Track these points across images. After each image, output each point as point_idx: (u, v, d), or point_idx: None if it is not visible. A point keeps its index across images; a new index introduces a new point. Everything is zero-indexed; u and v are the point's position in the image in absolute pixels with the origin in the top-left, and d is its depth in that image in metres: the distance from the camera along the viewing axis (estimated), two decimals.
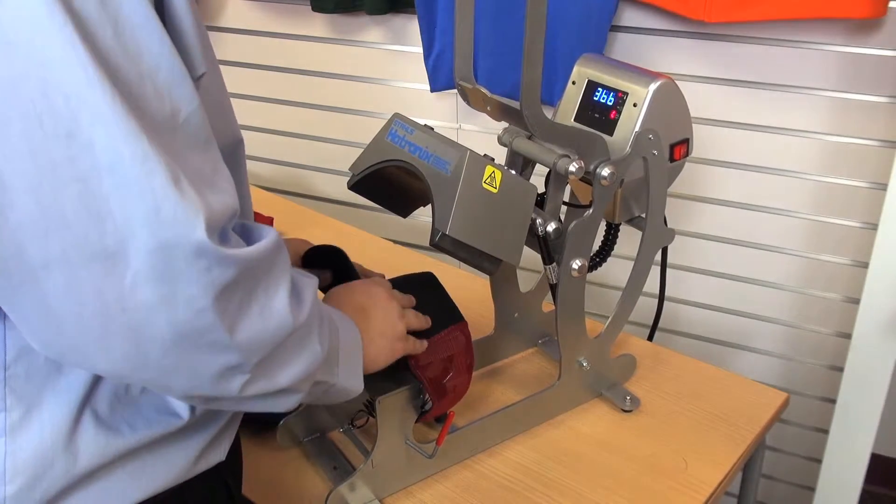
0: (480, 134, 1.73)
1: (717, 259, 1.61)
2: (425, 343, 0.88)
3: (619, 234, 1.04)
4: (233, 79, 2.05)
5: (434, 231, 0.81)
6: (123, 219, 0.50)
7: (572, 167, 0.88)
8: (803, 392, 1.62)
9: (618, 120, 0.93)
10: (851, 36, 1.36)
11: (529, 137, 0.94)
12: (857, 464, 1.26)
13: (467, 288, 1.11)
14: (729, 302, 1.64)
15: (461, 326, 0.94)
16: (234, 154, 0.70)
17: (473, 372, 0.95)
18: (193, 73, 0.57)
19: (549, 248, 0.94)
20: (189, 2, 0.57)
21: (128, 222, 0.50)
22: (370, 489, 0.92)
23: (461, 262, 0.86)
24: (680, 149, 0.97)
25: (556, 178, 0.98)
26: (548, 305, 1.18)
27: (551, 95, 1.51)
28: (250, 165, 1.97)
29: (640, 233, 1.01)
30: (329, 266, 0.97)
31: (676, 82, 0.94)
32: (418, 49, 1.66)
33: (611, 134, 0.93)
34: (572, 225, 0.92)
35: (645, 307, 1.13)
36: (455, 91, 1.66)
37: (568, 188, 1.01)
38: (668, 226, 1.02)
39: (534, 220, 0.92)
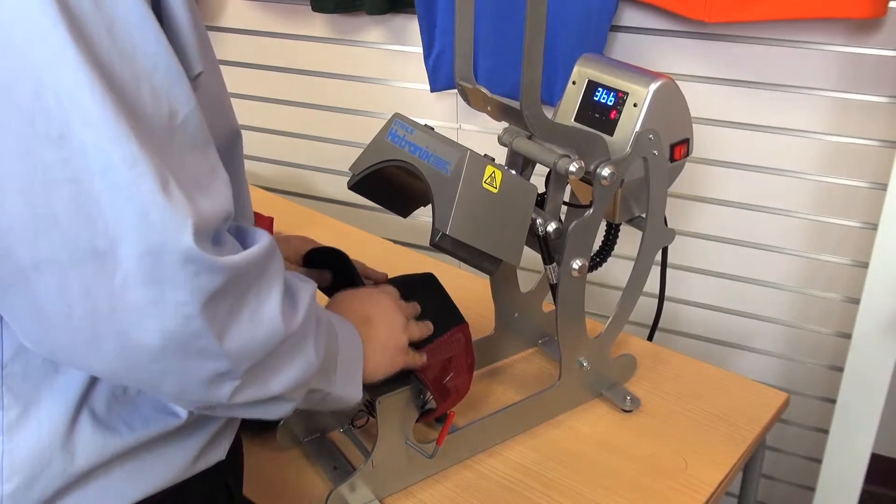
0: (480, 134, 1.73)
1: (717, 259, 1.61)
2: (424, 357, 0.88)
3: (619, 234, 1.04)
4: (233, 79, 2.05)
5: (434, 231, 0.81)
6: (114, 220, 0.50)
7: (572, 167, 0.88)
8: (803, 392, 1.62)
9: (618, 120, 0.93)
10: (851, 36, 1.36)
11: (530, 137, 0.94)
12: (857, 464, 1.26)
13: (467, 288, 1.11)
14: (729, 302, 1.64)
15: (462, 328, 0.94)
16: (231, 147, 0.69)
17: (474, 372, 0.95)
18: (190, 73, 0.57)
19: (549, 248, 0.94)
20: (186, 0, 0.57)
21: (118, 224, 0.50)
22: (370, 489, 0.92)
23: (461, 262, 0.86)
24: (680, 149, 0.97)
25: (556, 178, 0.98)
26: (548, 305, 1.18)
27: (551, 95, 1.51)
28: (250, 165, 1.97)
29: (640, 233, 1.01)
30: (330, 267, 0.97)
31: (676, 82, 0.94)
32: (418, 49, 1.66)
33: (611, 134, 0.93)
34: (572, 225, 0.92)
35: (645, 307, 1.13)
36: (455, 91, 1.66)
37: (568, 188, 1.01)
38: (669, 226, 1.02)
39: (534, 220, 0.92)
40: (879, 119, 1.40)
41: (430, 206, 0.84)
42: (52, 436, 0.61)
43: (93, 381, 0.62)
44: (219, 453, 0.73)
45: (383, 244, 1.51)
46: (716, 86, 1.48)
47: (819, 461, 1.31)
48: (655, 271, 1.06)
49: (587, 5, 1.46)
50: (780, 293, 1.58)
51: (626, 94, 0.93)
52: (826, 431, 1.28)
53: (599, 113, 0.95)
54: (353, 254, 0.98)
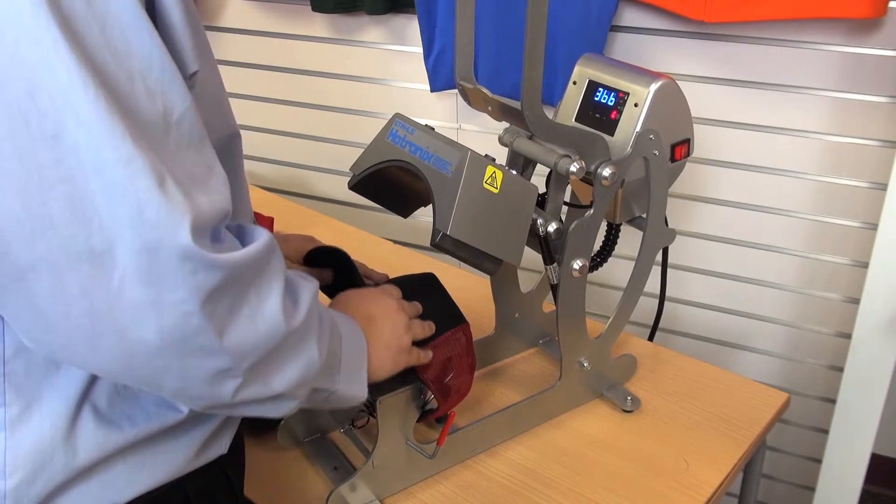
0: (481, 134, 1.73)
1: (718, 259, 1.61)
2: (429, 354, 0.88)
3: (619, 234, 1.04)
4: (233, 79, 2.05)
5: (435, 231, 0.81)
6: (110, 219, 0.50)
7: (573, 167, 0.88)
8: (803, 392, 1.62)
9: (619, 120, 0.93)
10: (851, 36, 1.36)
11: (530, 138, 0.94)
12: (857, 464, 1.26)
13: (468, 288, 1.11)
14: (729, 302, 1.64)
15: (463, 328, 0.94)
16: (229, 147, 0.69)
17: (475, 372, 0.95)
18: (185, 71, 0.57)
19: (549, 249, 0.94)
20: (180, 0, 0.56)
21: (114, 222, 0.50)
22: (371, 489, 0.92)
23: (462, 262, 0.86)
24: (681, 149, 0.97)
25: (556, 179, 0.98)
26: (548, 305, 1.18)
27: (552, 95, 1.51)
28: (250, 165, 1.97)
29: (640, 233, 1.01)
30: (331, 267, 0.97)
31: (677, 82, 0.94)
32: (418, 49, 1.66)
33: (612, 134, 0.93)
34: (573, 225, 0.92)
35: (645, 307, 1.13)
36: (455, 91, 1.66)
37: (569, 188, 1.01)
38: (669, 226, 1.02)
39: (535, 221, 0.92)
40: (879, 119, 1.40)
41: (430, 206, 0.84)
42: (55, 431, 0.61)
43: (94, 377, 0.62)
44: (221, 447, 0.73)
45: (384, 244, 1.51)
46: (716, 86, 1.48)
47: (819, 461, 1.31)
48: (656, 271, 1.06)
49: (587, 5, 1.46)
50: (780, 293, 1.59)
51: (627, 94, 0.93)
52: (826, 431, 1.28)
53: (600, 113, 0.95)
54: (354, 254, 0.98)
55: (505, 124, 0.95)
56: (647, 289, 1.05)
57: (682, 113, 0.96)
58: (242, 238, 0.60)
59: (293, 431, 1.01)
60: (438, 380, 0.89)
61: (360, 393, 0.77)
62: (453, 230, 0.81)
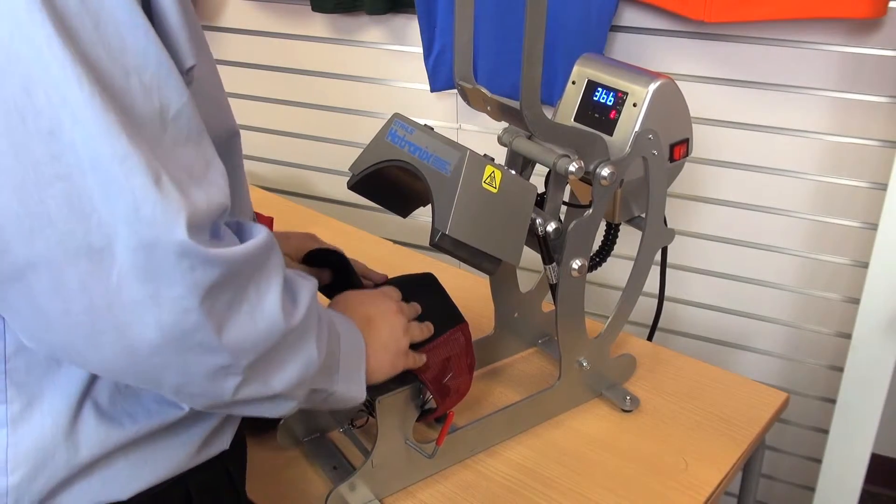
0: (480, 134, 1.73)
1: (717, 259, 1.61)
2: (424, 357, 0.88)
3: (618, 234, 1.04)
4: (233, 79, 2.06)
5: (434, 231, 0.81)
6: (107, 216, 0.50)
7: (572, 167, 0.88)
8: (803, 392, 1.62)
9: (618, 120, 0.93)
10: (851, 36, 1.36)
11: (529, 137, 0.94)
12: (857, 464, 1.26)
13: (467, 288, 1.11)
14: (729, 302, 1.64)
15: (462, 328, 0.94)
16: (229, 146, 0.69)
17: (474, 372, 0.95)
18: (181, 67, 0.56)
19: (549, 248, 0.94)
20: None
21: (111, 219, 0.50)
22: (370, 489, 0.92)
23: (461, 262, 0.86)
24: (680, 149, 0.97)
25: (555, 178, 0.98)
26: (548, 305, 1.18)
27: (551, 95, 1.51)
28: (250, 165, 1.97)
29: (639, 233, 1.01)
30: (330, 268, 0.97)
31: (676, 82, 0.94)
32: (418, 49, 1.66)
33: (611, 134, 0.93)
34: (572, 225, 0.92)
35: (645, 307, 1.13)
36: (455, 91, 1.66)
37: (568, 188, 1.01)
38: (668, 226, 1.02)
39: (534, 220, 0.92)
40: (879, 119, 1.40)
41: (429, 206, 0.84)
42: (56, 428, 0.62)
43: (95, 374, 0.63)
44: (223, 443, 0.74)
45: (383, 244, 1.51)
46: (716, 86, 1.48)
47: (819, 461, 1.31)
48: (655, 271, 1.06)
49: (587, 5, 1.46)
50: (780, 293, 1.59)
51: (626, 93, 0.93)
52: (826, 431, 1.28)
53: (599, 113, 0.95)
54: (353, 254, 0.98)
55: (504, 124, 0.95)
56: (646, 288, 1.05)
57: (681, 113, 0.96)
58: (241, 235, 0.61)
59: (293, 431, 1.01)
60: (437, 380, 0.89)
61: (359, 394, 0.77)
62: (452, 230, 0.81)
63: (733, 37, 1.43)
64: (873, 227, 1.20)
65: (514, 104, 0.85)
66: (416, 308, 0.90)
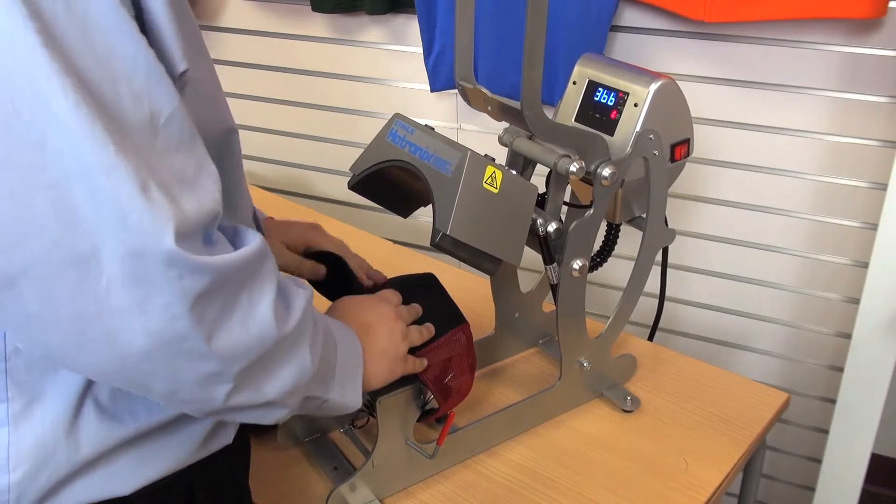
0: (481, 134, 1.73)
1: (717, 259, 1.61)
2: (424, 361, 0.88)
3: (619, 234, 1.04)
4: (233, 79, 2.06)
5: (435, 231, 0.81)
6: (95, 225, 0.50)
7: (573, 167, 0.88)
8: (803, 392, 1.62)
9: (618, 120, 0.93)
10: (851, 36, 1.36)
11: (530, 137, 0.94)
12: (857, 464, 1.26)
13: (468, 288, 1.11)
14: (729, 302, 1.64)
15: (463, 327, 0.94)
16: (227, 144, 0.69)
17: (475, 372, 0.95)
18: (173, 72, 0.56)
19: (549, 249, 0.94)
20: None
21: (99, 229, 0.50)
22: (371, 489, 0.92)
23: (462, 262, 0.86)
24: (681, 149, 0.97)
25: (556, 179, 0.98)
26: (548, 305, 1.18)
27: (552, 95, 1.51)
28: (250, 165, 1.97)
29: (640, 233, 1.01)
30: (328, 269, 0.97)
31: (677, 82, 0.94)
32: (418, 49, 1.66)
33: (611, 134, 0.93)
34: (573, 225, 0.92)
35: (645, 307, 1.13)
36: (455, 91, 1.66)
37: (568, 188, 1.01)
38: (669, 226, 1.02)
39: (534, 221, 0.92)
40: (879, 119, 1.40)
41: (430, 206, 0.84)
42: (57, 426, 0.62)
43: None
44: (226, 437, 0.74)
45: (383, 244, 1.51)
46: (716, 86, 1.48)
47: (819, 461, 1.31)
48: (656, 271, 1.06)
49: (587, 5, 1.46)
50: (780, 293, 1.59)
51: (627, 94, 0.93)
52: (826, 431, 1.28)
53: (600, 113, 0.95)
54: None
55: (505, 124, 0.95)
56: (646, 289, 1.05)
57: (682, 113, 0.96)
58: (236, 241, 0.60)
59: (293, 431, 1.01)
60: (438, 380, 0.89)
61: (354, 401, 0.77)
62: (453, 230, 0.81)
63: (733, 37, 1.43)
64: (873, 227, 1.20)
65: (515, 104, 0.85)
66: (415, 311, 0.90)
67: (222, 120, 0.69)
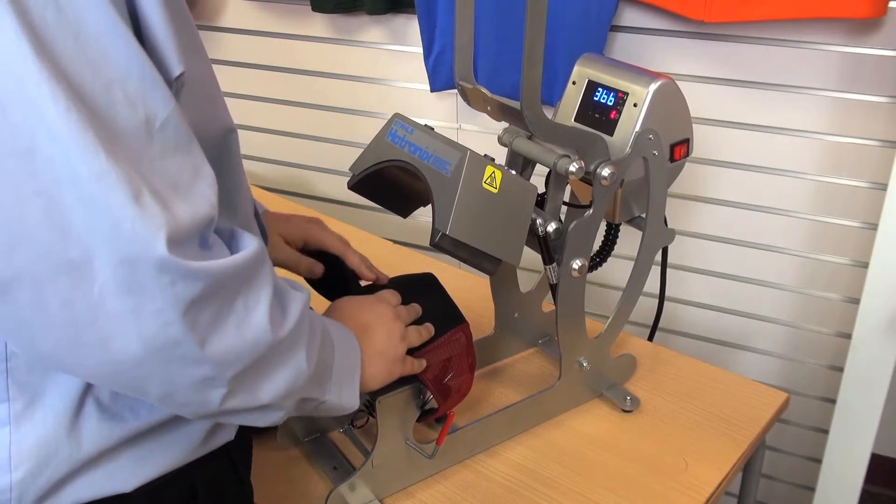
0: (480, 134, 1.73)
1: (717, 259, 1.61)
2: (423, 362, 0.88)
3: (619, 234, 1.04)
4: (233, 79, 2.06)
5: (434, 231, 0.81)
6: (86, 232, 0.50)
7: (572, 167, 0.88)
8: (803, 392, 1.62)
9: (618, 120, 0.93)
10: (851, 36, 1.36)
11: (530, 137, 0.94)
12: (857, 464, 1.26)
13: (467, 288, 1.11)
14: (729, 302, 1.64)
15: (463, 327, 0.94)
16: (226, 143, 0.69)
17: (475, 372, 0.95)
18: (169, 75, 0.55)
19: (549, 248, 0.94)
20: (160, 1, 0.55)
21: (90, 236, 0.50)
22: (370, 489, 0.92)
23: (461, 262, 0.86)
24: (680, 149, 0.97)
25: (556, 179, 0.98)
26: (548, 305, 1.18)
27: (551, 95, 1.51)
28: (250, 165, 1.97)
29: (640, 233, 1.01)
30: (327, 268, 0.97)
31: (676, 82, 0.94)
32: (418, 49, 1.66)
33: (611, 134, 0.93)
34: (572, 225, 0.92)
35: (645, 307, 1.13)
36: (455, 91, 1.66)
37: (568, 188, 1.01)
38: (669, 226, 1.02)
39: (534, 221, 0.92)
40: (879, 119, 1.40)
41: (430, 206, 0.84)
42: (58, 425, 0.62)
43: None
44: (228, 434, 0.74)
45: (383, 244, 1.51)
46: (716, 86, 1.48)
47: (819, 461, 1.31)
48: (655, 271, 1.06)
49: (587, 5, 1.46)
50: (780, 293, 1.58)
51: (626, 94, 0.93)
52: (826, 431, 1.28)
53: (599, 113, 0.95)
54: None
55: (504, 124, 0.95)
56: (646, 289, 1.05)
57: (682, 113, 0.96)
58: (232, 244, 0.60)
59: (293, 431, 1.01)
60: (438, 380, 0.89)
61: (352, 403, 0.77)
62: (452, 230, 0.81)
63: (733, 37, 1.43)
64: (873, 227, 1.20)
65: (515, 104, 0.85)
66: (415, 311, 0.90)
67: (220, 120, 0.69)
